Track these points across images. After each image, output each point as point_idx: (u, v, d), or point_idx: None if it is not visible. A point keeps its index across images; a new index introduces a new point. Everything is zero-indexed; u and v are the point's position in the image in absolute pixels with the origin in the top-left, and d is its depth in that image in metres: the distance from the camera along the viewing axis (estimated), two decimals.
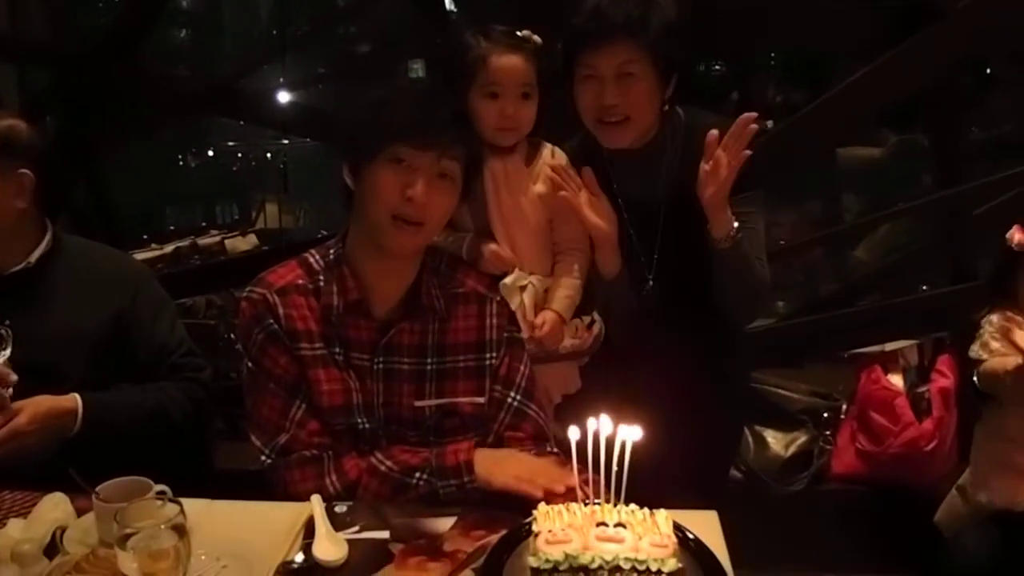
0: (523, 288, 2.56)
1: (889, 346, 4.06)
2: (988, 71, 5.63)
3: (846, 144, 6.77)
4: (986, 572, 2.77)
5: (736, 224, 2.47)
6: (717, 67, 7.63)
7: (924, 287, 4.70)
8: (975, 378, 2.86)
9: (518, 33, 2.53)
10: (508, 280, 2.54)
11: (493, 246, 2.55)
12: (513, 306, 2.49)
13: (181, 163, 9.01)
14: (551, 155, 2.64)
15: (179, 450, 2.69)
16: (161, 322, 2.71)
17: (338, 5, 8.09)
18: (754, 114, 2.40)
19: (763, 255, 2.62)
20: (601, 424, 1.74)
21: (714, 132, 2.40)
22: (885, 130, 6.86)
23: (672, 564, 1.66)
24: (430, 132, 2.17)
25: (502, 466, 2.20)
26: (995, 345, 2.81)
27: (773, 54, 7.65)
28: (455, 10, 4.71)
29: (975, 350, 2.86)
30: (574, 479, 1.92)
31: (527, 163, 2.61)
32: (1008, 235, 2.83)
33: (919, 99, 4.70)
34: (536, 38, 2.54)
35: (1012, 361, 2.69)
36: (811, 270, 6.81)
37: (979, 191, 4.29)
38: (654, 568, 1.66)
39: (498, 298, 2.42)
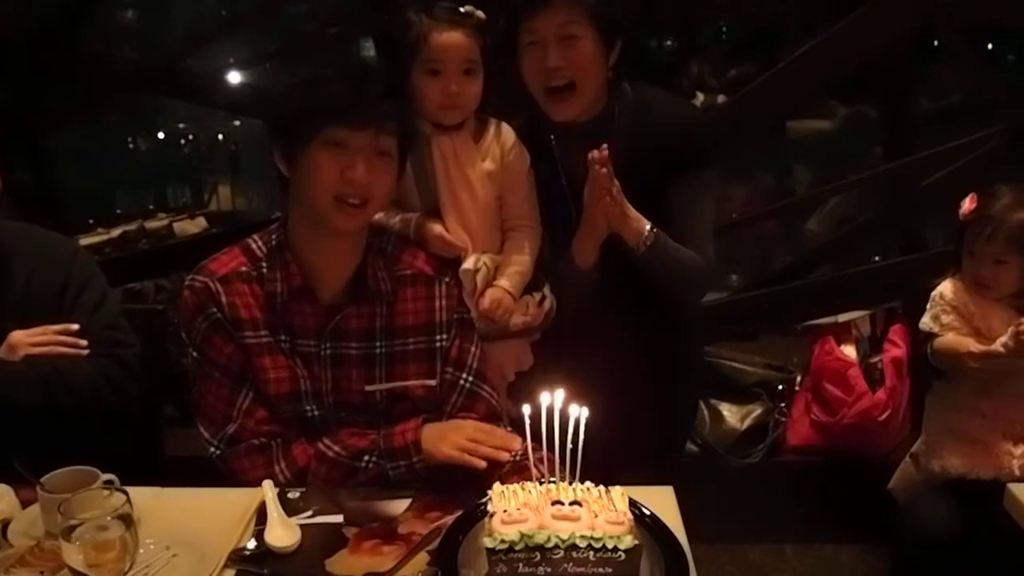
0: (477, 271, 2.52)
1: (842, 317, 4.09)
2: (936, 43, 5.65)
3: (796, 117, 6.81)
4: (939, 539, 2.77)
5: (648, 227, 2.45)
6: (669, 43, 7.65)
7: (876, 258, 4.73)
8: (928, 352, 2.87)
9: (461, 9, 2.49)
10: (468, 264, 2.50)
11: (439, 228, 2.51)
12: (468, 289, 2.47)
13: (131, 145, 8.91)
14: (499, 131, 2.61)
15: (127, 438, 2.66)
16: (87, 295, 2.64)
17: None
18: (603, 155, 2.34)
19: (706, 241, 2.59)
20: (554, 400, 1.73)
21: (594, 153, 2.34)
22: (835, 102, 6.91)
23: (628, 541, 1.65)
24: (364, 111, 2.14)
25: (446, 438, 2.19)
26: (946, 319, 2.83)
27: (724, 28, 7.68)
28: None
29: (926, 322, 2.87)
30: (518, 441, 1.91)
31: (475, 140, 2.57)
32: (962, 202, 2.84)
33: (868, 71, 4.72)
34: (479, 13, 2.50)
35: (974, 345, 2.72)
36: (764, 243, 6.86)
37: (927, 162, 4.33)
38: (610, 545, 1.64)
39: (447, 279, 2.39)
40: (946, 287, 2.87)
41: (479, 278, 2.52)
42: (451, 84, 2.45)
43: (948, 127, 5.24)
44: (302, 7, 7.64)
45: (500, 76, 2.55)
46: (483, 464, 2.08)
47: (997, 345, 2.64)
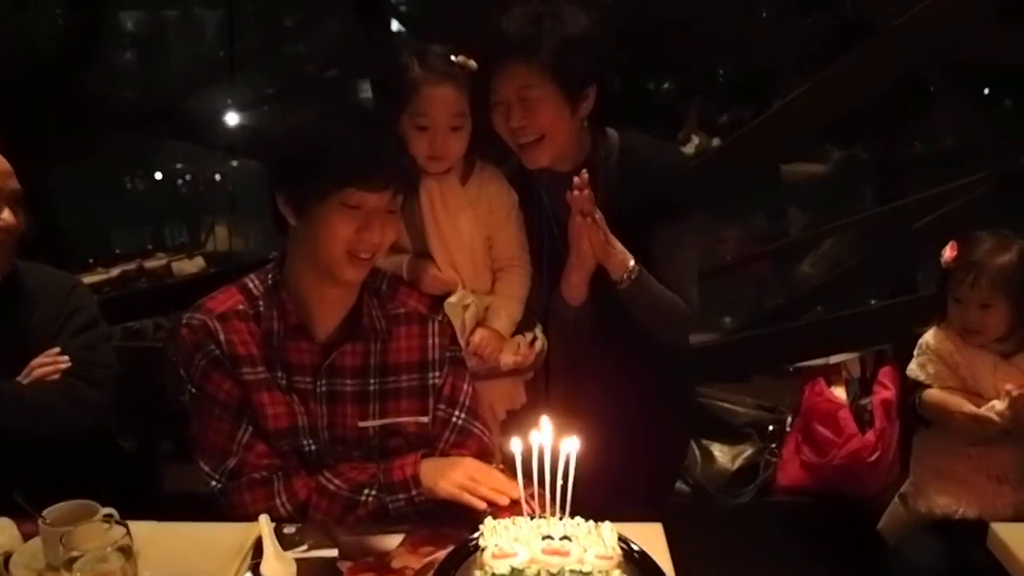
0: (466, 307, 2.56)
1: (833, 359, 4.12)
2: (931, 88, 5.73)
3: (790, 160, 6.86)
4: None
5: (632, 262, 2.46)
6: (666, 85, 7.70)
7: (873, 301, 4.77)
8: (917, 403, 2.88)
9: (452, 59, 2.49)
10: (453, 299, 2.54)
11: (433, 268, 2.54)
12: (456, 325, 2.49)
13: (129, 186, 8.95)
14: (485, 172, 2.63)
15: (125, 474, 2.69)
16: (74, 321, 2.66)
17: (286, 25, 8.09)
18: (582, 180, 2.34)
19: (689, 283, 2.60)
20: (544, 436, 1.76)
21: (575, 179, 2.35)
22: (829, 145, 6.96)
23: (617, 575, 1.69)
24: (384, 175, 2.16)
25: (446, 475, 2.23)
26: (932, 368, 2.85)
27: (721, 72, 7.75)
28: (403, 30, 4.74)
29: (913, 370, 2.90)
30: (517, 490, 1.95)
31: (462, 181, 2.59)
32: (943, 251, 2.86)
33: (861, 116, 4.78)
34: (471, 63, 2.50)
35: (966, 406, 2.73)
36: (757, 285, 6.89)
37: (917, 206, 4.38)
38: None
39: (440, 318, 2.42)
40: (932, 336, 2.89)
41: (467, 316, 2.55)
42: (438, 139, 2.46)
43: (940, 171, 5.31)
44: (300, 47, 7.71)
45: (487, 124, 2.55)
46: (483, 505, 2.11)
47: (989, 412, 2.67)
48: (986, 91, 7.62)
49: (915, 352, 2.91)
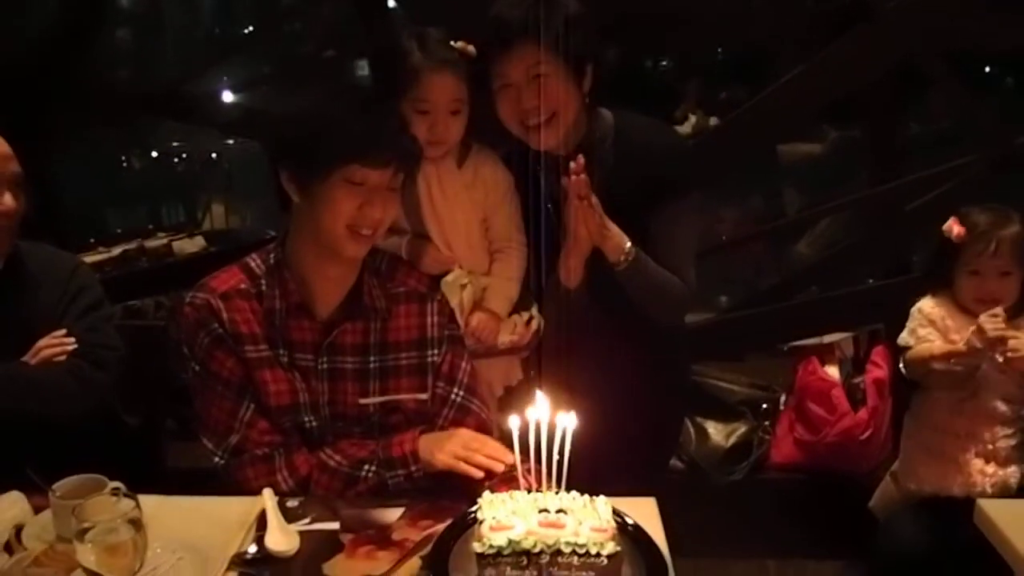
0: (463, 286, 2.60)
1: (826, 338, 4.14)
2: (926, 70, 5.74)
3: (787, 140, 6.86)
4: (913, 555, 2.84)
5: (628, 244, 2.49)
6: (664, 63, 7.69)
7: (871, 280, 4.79)
8: (902, 366, 2.94)
9: (452, 44, 2.54)
10: (449, 278, 2.59)
11: (432, 248, 2.60)
12: (453, 303, 2.53)
13: (125, 164, 8.93)
14: (481, 155, 2.67)
15: (130, 450, 2.73)
16: (78, 302, 2.70)
17: (282, 4, 8.07)
18: (580, 162, 2.36)
19: (688, 260, 2.63)
20: (541, 412, 1.80)
21: (572, 164, 2.37)
22: (825, 126, 6.95)
23: (611, 547, 1.72)
24: (387, 152, 2.18)
25: (442, 446, 2.27)
26: (922, 332, 2.89)
27: (719, 52, 7.74)
28: (398, 8, 4.74)
29: (903, 337, 2.94)
30: (511, 456, 1.99)
31: (458, 164, 2.64)
32: (945, 227, 2.89)
33: (857, 97, 4.80)
34: (471, 49, 2.55)
35: (938, 346, 2.79)
36: (755, 264, 6.90)
37: (911, 187, 4.40)
38: (594, 551, 1.71)
39: (439, 297, 2.46)
40: (925, 302, 2.94)
41: (465, 295, 2.61)
42: (438, 124, 2.52)
43: (936, 152, 5.31)
44: (296, 26, 7.69)
45: (487, 106, 2.59)
46: (479, 474, 2.16)
47: (959, 343, 2.74)
48: (987, 69, 7.61)
49: (907, 322, 2.95)
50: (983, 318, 2.68)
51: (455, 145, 2.61)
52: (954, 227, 2.87)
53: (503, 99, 2.54)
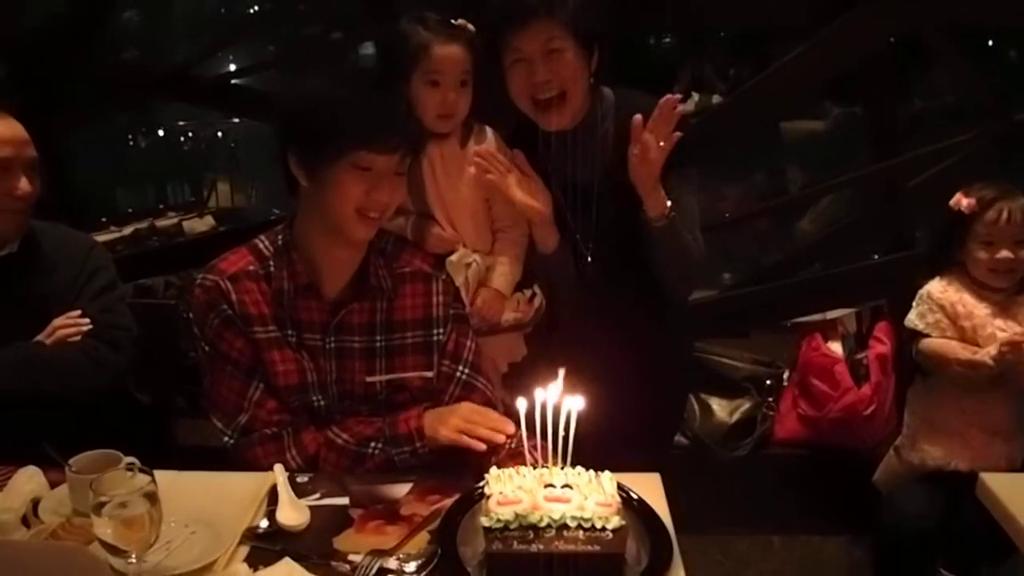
0: (468, 265, 2.64)
1: (830, 314, 4.16)
2: (928, 46, 5.73)
3: (789, 118, 6.86)
4: (917, 528, 2.86)
5: (669, 203, 2.53)
6: (667, 40, 7.67)
7: (876, 256, 4.79)
8: (914, 352, 2.96)
9: (453, 22, 2.59)
10: (454, 258, 2.62)
11: (436, 228, 2.63)
12: (458, 282, 2.57)
13: (131, 143, 8.94)
14: (483, 136, 2.71)
15: (141, 427, 2.76)
16: (93, 283, 2.75)
17: None
18: (678, 96, 2.45)
19: (696, 230, 2.67)
20: (548, 392, 1.83)
21: (639, 116, 2.44)
22: (828, 103, 6.94)
23: (616, 522, 1.76)
24: (394, 137, 2.21)
25: (445, 421, 2.30)
26: (932, 318, 2.92)
27: (722, 31, 7.71)
28: None
29: (912, 320, 2.96)
30: (512, 426, 2.02)
31: (462, 145, 2.68)
32: (953, 202, 2.92)
33: (858, 73, 4.79)
34: (471, 26, 2.60)
35: (962, 353, 2.82)
36: (758, 242, 6.90)
37: (914, 163, 4.40)
38: (599, 525, 1.75)
39: (443, 276, 2.49)
40: (934, 286, 2.96)
41: (470, 274, 2.64)
42: (449, 94, 2.56)
43: (939, 128, 5.30)
44: (302, 7, 7.67)
45: (486, 87, 2.64)
46: (482, 446, 2.19)
47: (984, 356, 2.75)
48: (989, 43, 7.58)
49: (914, 303, 2.98)
50: (1005, 348, 2.71)
51: (462, 119, 2.65)
52: (963, 200, 2.89)
53: (515, 73, 2.58)
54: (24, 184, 2.58)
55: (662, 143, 2.45)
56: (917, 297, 2.98)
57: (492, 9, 2.58)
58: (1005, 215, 2.84)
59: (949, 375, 2.88)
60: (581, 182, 2.66)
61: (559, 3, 2.50)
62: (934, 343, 2.90)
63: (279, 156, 2.32)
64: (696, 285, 2.89)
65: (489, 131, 2.73)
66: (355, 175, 2.20)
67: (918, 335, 2.94)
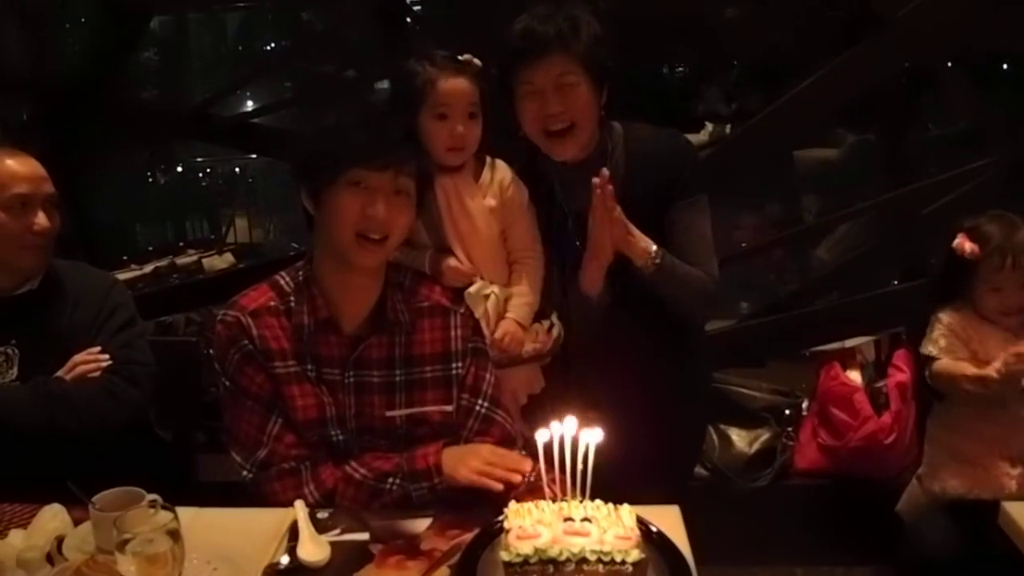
0: (486, 297, 2.65)
1: (848, 343, 4.14)
2: (939, 74, 5.74)
3: (803, 146, 6.86)
4: (940, 558, 2.85)
5: (655, 248, 2.57)
6: (680, 69, 7.69)
7: (895, 282, 4.79)
8: (927, 375, 2.95)
9: (460, 57, 2.64)
10: (472, 290, 2.63)
11: (452, 261, 2.65)
12: (478, 314, 2.58)
13: (151, 180, 9.00)
14: (496, 169, 2.75)
15: (163, 464, 2.78)
16: (113, 320, 2.77)
17: (304, 27, 8.13)
18: (605, 174, 2.46)
19: (709, 257, 2.70)
20: (566, 426, 1.84)
21: (595, 179, 2.46)
22: (842, 130, 6.95)
23: (635, 555, 1.76)
24: (383, 154, 2.27)
25: (465, 462, 2.29)
26: (944, 343, 2.92)
27: (735, 61, 7.73)
28: (415, 26, 4.79)
29: (926, 346, 2.96)
30: (529, 465, 2.02)
31: (475, 178, 2.71)
32: (956, 245, 2.91)
33: (872, 100, 4.80)
34: (477, 61, 2.66)
35: (970, 369, 2.81)
36: (774, 271, 6.89)
37: (928, 191, 4.40)
38: (619, 559, 1.75)
39: (462, 310, 2.51)
40: (945, 313, 2.96)
41: (490, 305, 2.65)
42: (457, 126, 2.60)
43: (954, 155, 5.30)
44: (319, 45, 7.73)
45: (496, 120, 2.70)
46: (499, 487, 2.18)
47: (990, 370, 2.73)
48: (1004, 66, 7.56)
49: (928, 330, 2.97)
50: (1010, 359, 2.69)
51: (473, 152, 2.69)
52: (965, 244, 2.88)
53: (527, 105, 2.63)
54: (43, 219, 2.62)
55: (614, 214, 2.49)
56: (930, 324, 2.98)
57: (506, 42, 2.62)
58: (1010, 262, 2.83)
59: (960, 394, 2.87)
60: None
61: (572, 38, 2.55)
62: (944, 363, 2.89)
63: (295, 193, 2.38)
64: (711, 312, 2.90)
65: (502, 164, 2.77)
66: (350, 193, 2.26)
67: (932, 360, 2.94)
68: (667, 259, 2.59)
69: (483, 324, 2.60)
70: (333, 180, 2.27)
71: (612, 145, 2.72)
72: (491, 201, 2.70)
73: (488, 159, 2.75)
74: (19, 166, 2.62)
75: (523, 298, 2.72)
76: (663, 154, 2.72)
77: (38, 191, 2.63)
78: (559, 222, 2.76)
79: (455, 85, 2.61)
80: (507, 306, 2.71)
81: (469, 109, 2.62)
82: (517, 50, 2.59)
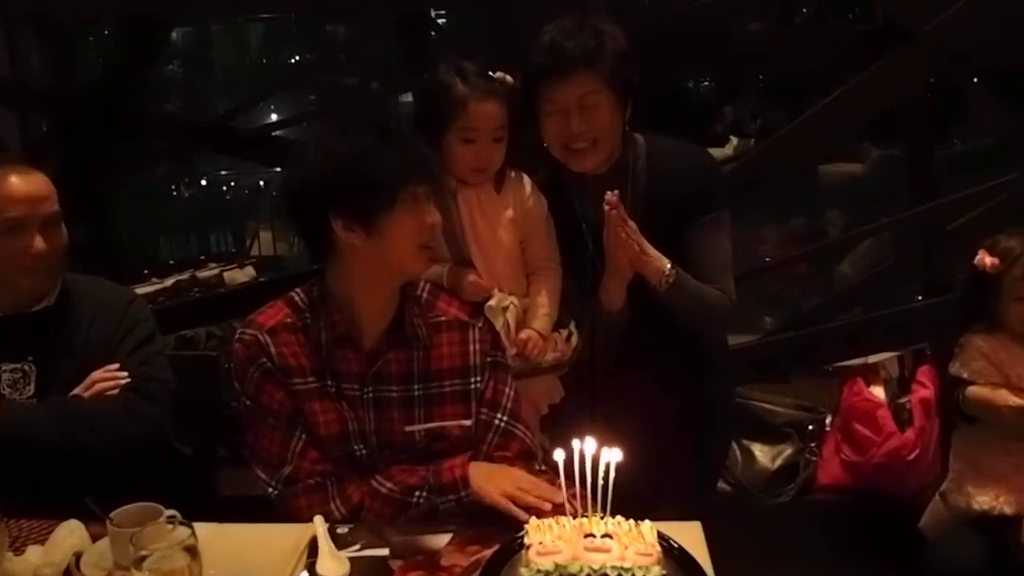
0: (506, 308, 2.63)
1: (871, 359, 4.12)
2: (965, 89, 5.71)
3: (828, 161, 6.85)
4: (964, 573, 2.84)
5: (668, 266, 2.55)
6: (705, 83, 7.70)
7: (920, 298, 4.77)
8: (960, 400, 2.93)
9: (492, 74, 2.61)
10: (493, 302, 2.60)
11: (472, 275, 2.62)
12: (498, 326, 2.56)
13: (175, 193, 9.05)
14: (518, 180, 2.73)
15: (183, 478, 2.78)
16: (132, 336, 2.75)
17: (327, 39, 8.17)
18: (614, 198, 2.45)
19: (728, 273, 2.69)
20: (587, 442, 1.83)
21: (607, 197, 2.45)
22: (867, 144, 6.93)
23: (656, 571, 1.75)
24: (427, 166, 2.29)
25: (493, 481, 2.28)
26: (976, 366, 2.90)
27: (760, 75, 7.73)
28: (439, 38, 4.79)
29: (956, 368, 2.95)
30: (560, 497, 2.01)
31: (497, 190, 2.70)
32: (977, 261, 2.91)
33: (898, 115, 4.79)
34: (509, 79, 2.63)
35: (1012, 399, 2.80)
36: (798, 285, 6.88)
37: (954, 205, 4.37)
38: (639, 575, 1.74)
39: (480, 324, 2.49)
40: (975, 335, 2.95)
41: (510, 316, 2.63)
42: (483, 151, 2.59)
43: (977, 171, 5.29)
44: (343, 57, 7.77)
45: (520, 133, 2.67)
46: (526, 517, 2.12)
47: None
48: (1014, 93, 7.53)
49: (956, 351, 2.96)
50: None
51: (496, 170, 2.67)
52: (986, 258, 2.88)
53: (551, 122, 2.61)
54: (39, 243, 2.57)
55: (628, 232, 2.49)
56: (959, 346, 2.97)
57: (532, 59, 2.60)
58: None
59: (999, 423, 2.85)
60: None
61: (597, 55, 2.53)
62: (982, 391, 2.87)
63: (311, 226, 2.34)
64: (725, 328, 2.88)
65: (524, 177, 2.75)
66: (408, 210, 2.25)
67: (962, 383, 2.92)
68: (681, 278, 2.57)
69: (503, 335, 2.59)
70: (391, 203, 2.23)
71: (634, 158, 2.71)
72: (511, 212, 2.70)
73: (509, 172, 2.73)
74: (17, 187, 2.56)
75: (542, 309, 2.70)
76: (685, 169, 2.70)
77: (34, 213, 2.57)
78: (577, 235, 2.74)
79: (486, 109, 2.57)
80: (526, 316, 2.69)
81: (496, 133, 2.60)
82: (542, 67, 2.57)
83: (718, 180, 2.77)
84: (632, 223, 2.48)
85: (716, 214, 2.68)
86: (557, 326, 2.74)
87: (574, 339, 2.75)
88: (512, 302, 2.65)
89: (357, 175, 2.23)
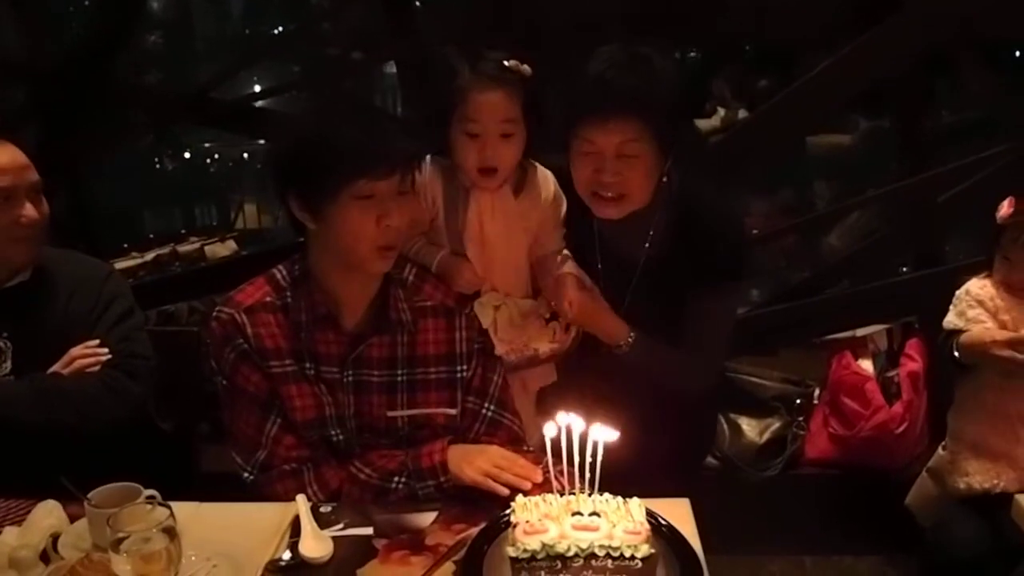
0: (496, 307, 2.55)
1: (859, 332, 4.11)
2: (956, 59, 5.70)
3: (817, 132, 6.83)
4: (971, 554, 2.80)
5: (628, 335, 2.53)
6: (692, 54, 7.66)
7: (904, 269, 4.76)
8: (954, 348, 2.89)
9: (505, 63, 2.40)
10: (483, 299, 2.53)
11: (467, 267, 2.49)
12: (485, 324, 2.49)
13: (158, 166, 9.00)
14: (542, 180, 2.59)
15: (164, 455, 2.74)
16: (111, 312, 2.71)
17: (311, 5, 8.10)
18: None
19: (719, 346, 2.67)
20: (574, 420, 1.80)
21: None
22: (856, 116, 6.92)
23: (645, 550, 1.73)
24: (387, 160, 2.14)
25: (471, 461, 2.25)
26: (972, 313, 2.87)
27: (748, 46, 7.70)
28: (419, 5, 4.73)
29: (951, 320, 2.91)
30: (540, 475, 1.98)
31: (516, 191, 2.55)
32: (1001, 205, 2.87)
33: (887, 86, 4.77)
34: (525, 68, 2.41)
35: (1001, 332, 2.77)
36: (785, 258, 6.87)
37: (943, 178, 4.37)
38: (628, 554, 1.73)
39: (467, 311, 2.43)
40: (972, 284, 2.92)
41: (499, 316, 2.56)
42: (488, 148, 2.41)
43: (967, 141, 5.27)
44: (325, 27, 7.70)
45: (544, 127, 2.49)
46: (505, 491, 2.13)
47: (1020, 330, 2.72)
48: (1019, 53, 7.51)
49: (952, 304, 2.94)
50: None
51: (509, 172, 2.50)
52: (1004, 206, 2.85)
53: (582, 163, 2.44)
54: (30, 210, 2.55)
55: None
56: (955, 298, 2.94)
57: (572, 91, 2.44)
58: (1022, 238, 2.80)
59: (991, 362, 2.79)
60: (624, 258, 2.62)
61: (645, 100, 2.34)
62: (973, 333, 2.84)
63: (279, 200, 2.27)
64: (696, 388, 2.73)
65: (549, 175, 2.60)
66: (360, 206, 2.14)
67: (957, 333, 2.88)
68: (640, 346, 2.54)
69: (490, 333, 2.52)
70: (336, 194, 2.13)
71: (661, 202, 2.56)
72: (528, 219, 2.58)
73: (533, 167, 2.58)
74: (1, 157, 2.53)
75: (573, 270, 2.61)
76: (713, 234, 2.55)
77: (20, 181, 2.54)
78: (588, 260, 2.65)
79: (488, 99, 2.37)
80: (523, 320, 2.61)
81: (503, 128, 2.39)
82: (584, 101, 2.40)
83: (742, 254, 2.63)
84: (593, 288, 2.48)
85: (729, 285, 2.60)
86: (556, 315, 2.68)
87: (573, 329, 2.69)
88: (505, 302, 2.58)
89: (305, 157, 2.16)
